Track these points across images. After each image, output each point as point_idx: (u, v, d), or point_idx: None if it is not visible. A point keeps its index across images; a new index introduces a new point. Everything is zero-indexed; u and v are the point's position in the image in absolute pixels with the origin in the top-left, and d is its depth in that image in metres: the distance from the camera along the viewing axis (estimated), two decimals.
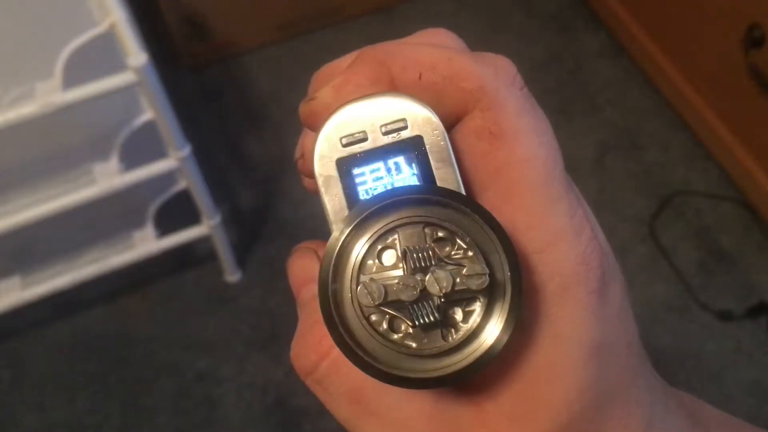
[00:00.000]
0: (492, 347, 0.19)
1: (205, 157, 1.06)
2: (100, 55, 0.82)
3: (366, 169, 0.21)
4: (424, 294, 0.19)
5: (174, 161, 0.92)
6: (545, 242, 0.20)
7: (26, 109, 0.76)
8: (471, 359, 0.19)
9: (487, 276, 0.19)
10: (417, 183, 0.21)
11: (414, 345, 0.19)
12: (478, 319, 0.19)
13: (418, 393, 0.21)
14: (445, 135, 0.21)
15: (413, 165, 0.21)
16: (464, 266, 0.19)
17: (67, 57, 0.79)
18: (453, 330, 0.19)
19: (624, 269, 0.22)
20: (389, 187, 0.21)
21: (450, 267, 0.19)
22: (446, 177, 0.21)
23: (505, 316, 0.19)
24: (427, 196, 0.20)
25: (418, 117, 0.21)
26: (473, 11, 1.53)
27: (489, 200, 0.21)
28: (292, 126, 1.37)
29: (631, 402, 0.21)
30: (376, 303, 0.19)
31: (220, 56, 1.46)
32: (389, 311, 0.19)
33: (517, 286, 0.19)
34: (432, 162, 0.21)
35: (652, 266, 1.19)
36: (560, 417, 0.20)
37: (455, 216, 0.20)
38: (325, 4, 1.46)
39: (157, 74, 0.80)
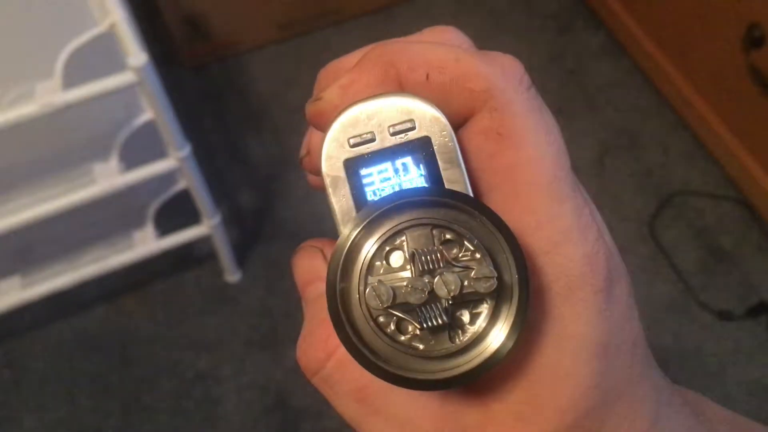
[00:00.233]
0: (498, 350, 0.19)
1: (205, 157, 1.06)
2: (100, 55, 0.82)
3: (374, 169, 0.21)
4: (432, 296, 0.19)
5: (174, 161, 0.92)
6: (552, 243, 0.20)
7: (26, 109, 0.76)
8: (478, 361, 0.19)
9: (495, 279, 0.19)
10: (425, 184, 0.21)
11: (421, 347, 0.19)
12: (486, 322, 0.19)
13: (424, 392, 0.21)
14: (453, 136, 0.21)
15: (421, 166, 0.21)
16: (472, 269, 0.19)
17: (67, 57, 0.79)
18: (460, 332, 0.20)
19: None
20: (397, 188, 0.21)
21: (458, 270, 0.19)
22: (454, 178, 0.21)
23: (512, 319, 0.19)
24: (435, 198, 0.20)
25: (426, 117, 0.21)
26: (473, 11, 1.53)
27: (496, 201, 0.21)
28: (292, 126, 1.37)
29: (636, 399, 0.21)
30: (385, 306, 0.19)
31: (220, 56, 1.46)
32: (397, 313, 0.19)
33: (524, 289, 0.19)
34: (440, 163, 0.21)
35: (652, 266, 1.19)
36: (566, 416, 0.20)
37: (463, 218, 0.20)
38: (325, 4, 1.46)
39: (157, 74, 0.80)
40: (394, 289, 0.19)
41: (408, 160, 0.21)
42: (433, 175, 0.21)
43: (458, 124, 0.22)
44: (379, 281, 0.19)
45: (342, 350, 0.21)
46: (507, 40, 1.48)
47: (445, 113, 0.21)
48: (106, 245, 1.09)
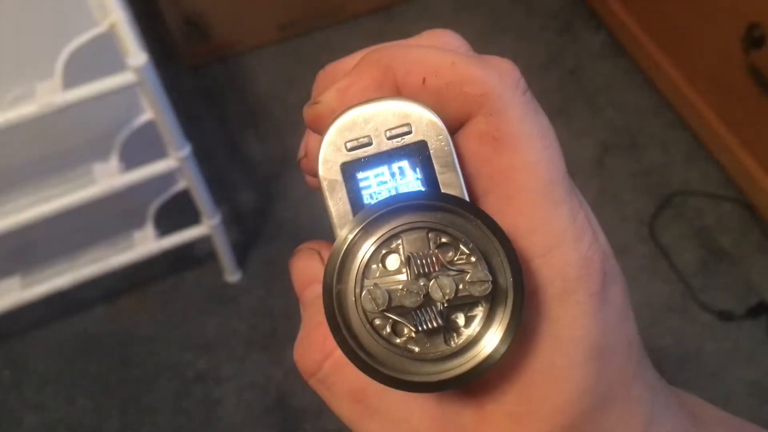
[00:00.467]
0: (493, 353, 0.19)
1: (205, 157, 1.06)
2: (100, 55, 0.82)
3: (370, 173, 0.21)
4: (428, 300, 0.19)
5: (174, 161, 0.92)
6: (547, 246, 0.20)
7: (26, 109, 0.76)
8: (473, 364, 0.19)
9: (490, 283, 0.19)
10: (421, 188, 0.21)
11: (417, 349, 0.20)
12: (480, 325, 0.19)
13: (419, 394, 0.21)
14: (449, 140, 0.21)
15: (417, 170, 0.21)
16: (467, 272, 0.19)
17: (67, 57, 0.79)
18: (455, 334, 0.20)
19: (624, 269, 0.22)
20: (393, 192, 0.21)
21: (453, 273, 0.19)
22: (450, 182, 0.21)
23: (507, 322, 0.19)
24: (431, 202, 0.20)
25: (423, 122, 0.21)
26: (473, 11, 1.53)
27: (491, 204, 0.21)
28: (292, 126, 1.37)
29: (631, 401, 0.21)
30: (380, 309, 0.19)
31: (220, 56, 1.46)
32: (393, 316, 0.19)
33: (519, 293, 0.19)
34: (436, 167, 0.21)
35: (652, 266, 1.19)
36: (561, 417, 0.20)
37: (459, 221, 0.20)
38: (325, 4, 1.46)
39: (157, 74, 0.80)
40: (389, 292, 0.19)
41: (404, 163, 0.21)
42: (430, 178, 0.21)
43: (454, 128, 0.22)
44: (375, 284, 0.19)
45: (338, 352, 0.21)
46: (507, 40, 1.48)
47: (442, 117, 0.21)
48: (106, 245, 1.09)
